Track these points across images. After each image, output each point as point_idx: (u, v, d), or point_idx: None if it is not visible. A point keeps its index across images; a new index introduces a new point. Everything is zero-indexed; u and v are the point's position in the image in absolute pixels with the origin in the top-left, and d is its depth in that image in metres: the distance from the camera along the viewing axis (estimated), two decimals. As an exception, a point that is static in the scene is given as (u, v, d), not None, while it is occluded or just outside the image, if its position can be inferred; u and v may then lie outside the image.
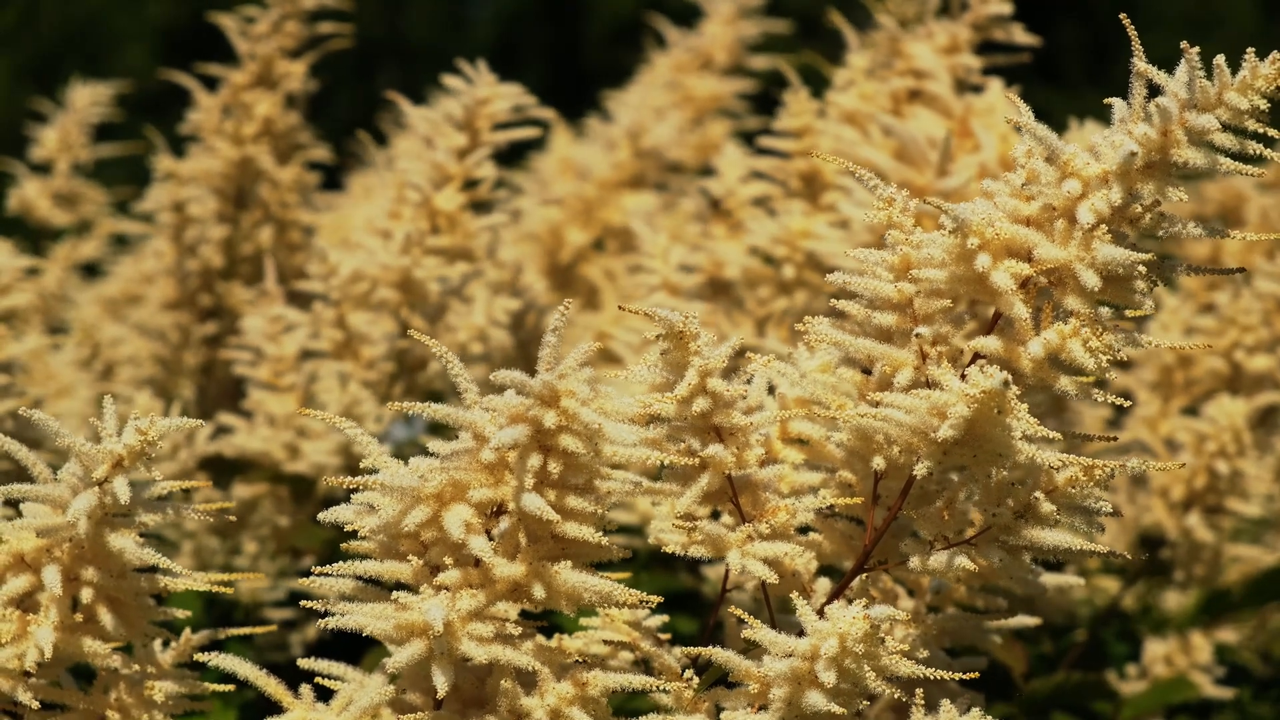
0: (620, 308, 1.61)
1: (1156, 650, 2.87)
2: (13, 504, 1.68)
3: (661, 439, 1.68)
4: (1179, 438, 2.95)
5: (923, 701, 1.59)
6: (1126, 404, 1.61)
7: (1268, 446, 3.08)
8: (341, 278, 2.76)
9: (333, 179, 4.20)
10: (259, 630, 1.89)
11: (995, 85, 2.71)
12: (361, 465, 1.62)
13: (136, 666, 1.73)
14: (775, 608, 1.74)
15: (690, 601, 2.64)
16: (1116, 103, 1.60)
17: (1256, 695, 2.90)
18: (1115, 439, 1.74)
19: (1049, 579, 1.94)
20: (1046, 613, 2.81)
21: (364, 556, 1.64)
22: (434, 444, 1.62)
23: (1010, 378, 1.55)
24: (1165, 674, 2.84)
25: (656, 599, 1.62)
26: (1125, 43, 1.60)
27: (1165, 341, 1.64)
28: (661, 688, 1.64)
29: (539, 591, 1.59)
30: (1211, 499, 2.89)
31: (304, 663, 1.68)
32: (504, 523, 1.60)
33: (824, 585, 1.82)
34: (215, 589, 1.71)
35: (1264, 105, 1.57)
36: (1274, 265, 3.03)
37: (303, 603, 1.67)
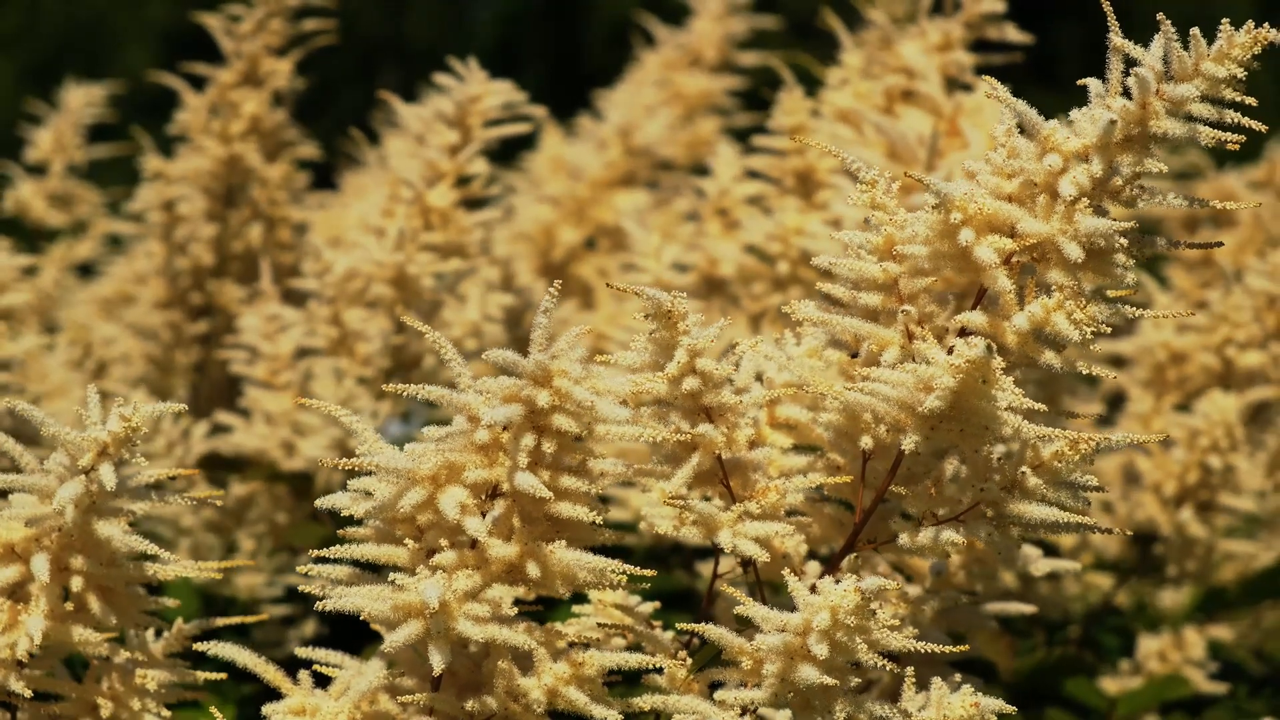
0: (608, 285, 1.62)
1: (1150, 646, 2.88)
2: (1, 495, 1.69)
3: (651, 421, 1.70)
4: (1172, 434, 2.96)
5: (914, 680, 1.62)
6: (1112, 377, 1.62)
7: (1260, 442, 3.08)
8: (336, 275, 2.78)
9: (328, 178, 4.21)
10: (251, 620, 1.90)
11: (984, 85, 2.72)
12: (358, 451, 1.64)
13: (128, 655, 1.75)
14: (765, 597, 1.75)
15: (686, 600, 2.65)
16: (1092, 82, 1.62)
17: (1251, 692, 2.90)
18: (1101, 415, 1.75)
19: (1045, 563, 1.96)
20: (1041, 608, 2.82)
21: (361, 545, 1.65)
22: (428, 429, 1.63)
23: (994, 345, 1.58)
24: (1159, 669, 2.84)
25: (650, 572, 1.64)
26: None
27: (1149, 313, 1.66)
28: (655, 666, 1.66)
29: (534, 570, 1.61)
30: (1204, 494, 2.90)
31: (301, 651, 1.70)
32: (498, 505, 1.62)
33: (814, 569, 1.84)
34: (204, 574, 1.73)
35: (1241, 74, 1.59)
36: (1264, 263, 3.04)
37: (301, 587, 1.68)
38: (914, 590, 1.95)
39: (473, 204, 2.82)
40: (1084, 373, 1.66)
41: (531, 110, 2.79)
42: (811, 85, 2.98)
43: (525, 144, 3.62)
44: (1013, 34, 2.80)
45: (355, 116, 4.45)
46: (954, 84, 2.81)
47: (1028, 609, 2.03)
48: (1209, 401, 2.87)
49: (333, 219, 3.49)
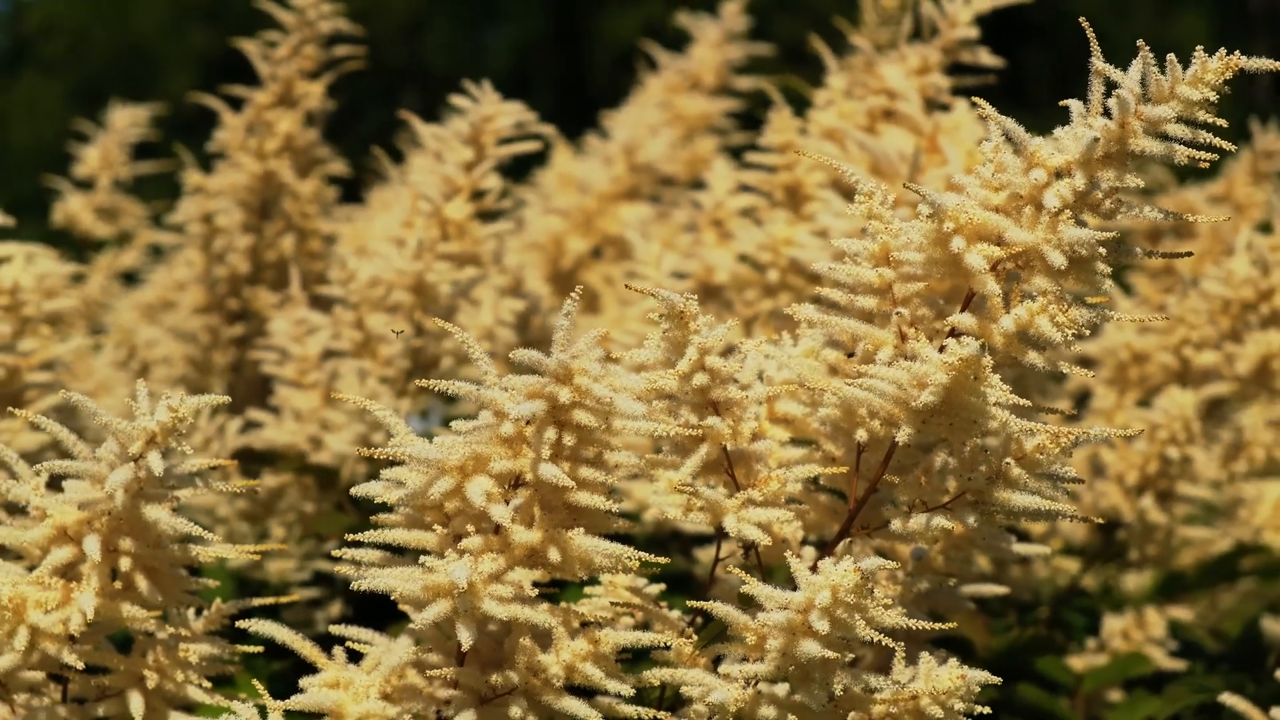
0: (626, 286, 1.62)
1: (1114, 626, 2.88)
2: (55, 480, 1.69)
3: (662, 415, 1.71)
4: (1133, 427, 2.96)
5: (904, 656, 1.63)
6: (1089, 375, 1.63)
7: (1215, 436, 3.09)
8: (360, 282, 2.78)
9: (355, 194, 4.22)
10: (283, 601, 1.91)
11: (961, 105, 2.73)
12: (390, 444, 1.64)
13: (172, 630, 1.76)
14: (764, 579, 1.75)
15: (684, 583, 2.65)
16: (1074, 103, 1.64)
17: (1208, 669, 2.90)
18: (1077, 415, 1.76)
19: (1018, 547, 1.96)
20: (1013, 590, 2.82)
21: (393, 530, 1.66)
22: (455, 423, 1.64)
23: (985, 345, 1.59)
24: (1123, 648, 2.85)
25: (663, 560, 1.65)
26: (1089, 66, 1.62)
27: (1125, 316, 1.69)
28: (665, 644, 1.66)
29: (554, 555, 1.62)
30: (1164, 484, 2.91)
31: (334, 629, 1.72)
32: (521, 494, 1.63)
33: (810, 553, 1.85)
34: (244, 557, 1.74)
35: (1214, 97, 1.61)
36: (1219, 270, 3.04)
37: (336, 569, 1.68)
38: (899, 573, 1.95)
39: (487, 216, 2.83)
40: (1062, 371, 1.67)
41: (541, 129, 2.80)
42: (801, 106, 2.98)
43: (537, 161, 3.63)
44: (986, 58, 2.81)
45: (379, 136, 4.46)
46: (932, 104, 2.82)
47: (1001, 590, 2.04)
48: (1168, 397, 2.88)
49: (359, 231, 3.50)
